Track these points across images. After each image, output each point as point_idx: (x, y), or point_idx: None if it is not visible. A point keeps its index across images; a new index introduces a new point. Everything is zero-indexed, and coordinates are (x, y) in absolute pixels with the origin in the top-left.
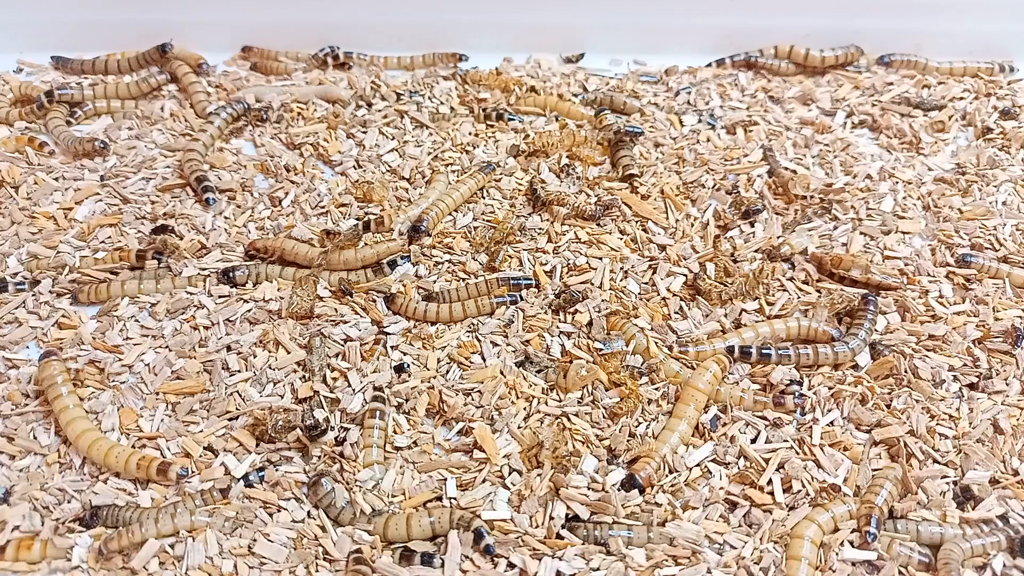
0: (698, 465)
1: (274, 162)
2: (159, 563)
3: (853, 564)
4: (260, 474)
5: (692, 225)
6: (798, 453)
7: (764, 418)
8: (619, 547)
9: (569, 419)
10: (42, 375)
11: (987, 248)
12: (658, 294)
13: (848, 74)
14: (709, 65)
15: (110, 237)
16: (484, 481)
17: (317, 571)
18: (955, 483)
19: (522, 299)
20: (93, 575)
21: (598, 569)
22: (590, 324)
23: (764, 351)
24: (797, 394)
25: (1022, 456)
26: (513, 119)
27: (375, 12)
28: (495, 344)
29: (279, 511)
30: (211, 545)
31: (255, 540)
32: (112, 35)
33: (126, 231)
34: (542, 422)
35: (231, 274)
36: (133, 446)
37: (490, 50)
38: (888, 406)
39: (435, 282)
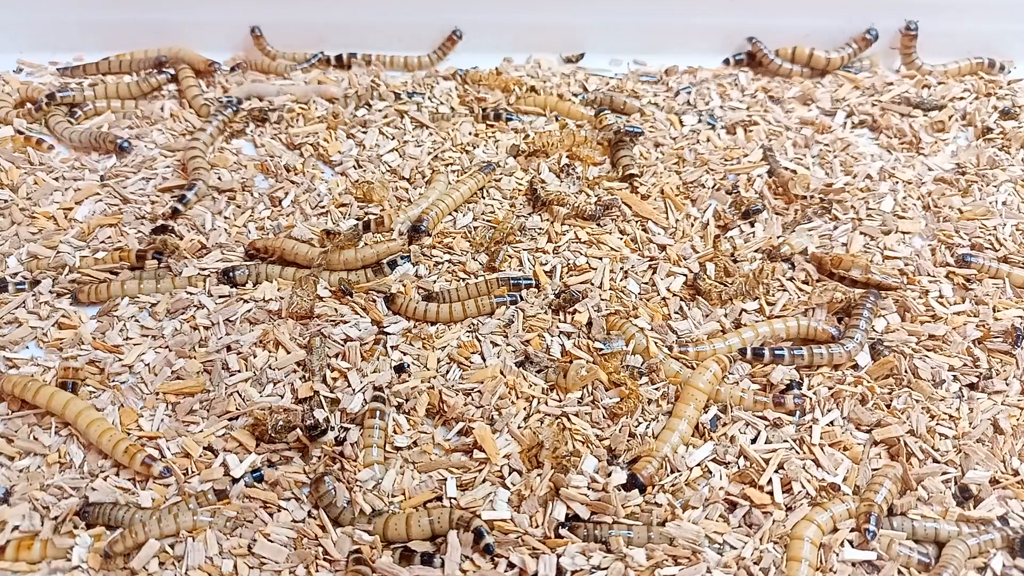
0: (698, 465)
1: (274, 162)
2: (159, 563)
3: (853, 564)
4: (257, 474)
5: (692, 225)
6: (798, 453)
7: (764, 418)
8: (619, 547)
9: (569, 419)
10: (10, 383)
11: (987, 248)
12: (658, 294)
13: (848, 74)
14: (726, 62)
15: (110, 237)
16: (484, 481)
17: (317, 571)
18: (955, 481)
19: (522, 299)
20: (93, 575)
21: (599, 567)
22: (590, 324)
23: (776, 351)
24: (797, 394)
25: (1022, 456)
26: (513, 119)
27: (375, 12)
28: (495, 344)
29: (279, 511)
30: (211, 545)
31: (255, 540)
32: (112, 35)
33: (126, 231)
34: (542, 422)
35: (231, 274)
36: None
37: (490, 50)
38: (888, 406)
39: (435, 282)
